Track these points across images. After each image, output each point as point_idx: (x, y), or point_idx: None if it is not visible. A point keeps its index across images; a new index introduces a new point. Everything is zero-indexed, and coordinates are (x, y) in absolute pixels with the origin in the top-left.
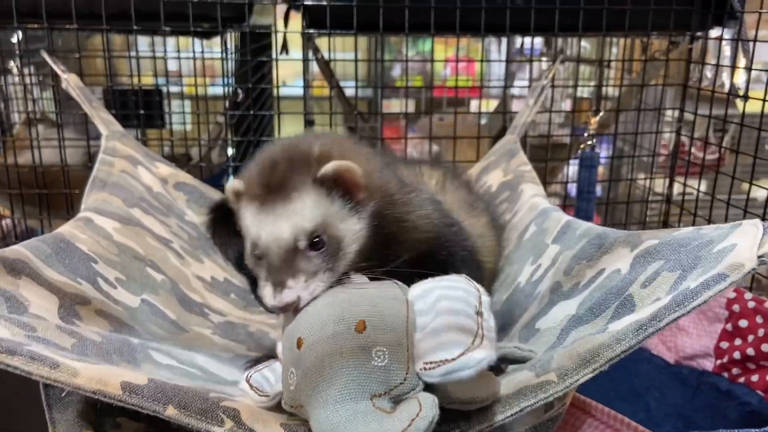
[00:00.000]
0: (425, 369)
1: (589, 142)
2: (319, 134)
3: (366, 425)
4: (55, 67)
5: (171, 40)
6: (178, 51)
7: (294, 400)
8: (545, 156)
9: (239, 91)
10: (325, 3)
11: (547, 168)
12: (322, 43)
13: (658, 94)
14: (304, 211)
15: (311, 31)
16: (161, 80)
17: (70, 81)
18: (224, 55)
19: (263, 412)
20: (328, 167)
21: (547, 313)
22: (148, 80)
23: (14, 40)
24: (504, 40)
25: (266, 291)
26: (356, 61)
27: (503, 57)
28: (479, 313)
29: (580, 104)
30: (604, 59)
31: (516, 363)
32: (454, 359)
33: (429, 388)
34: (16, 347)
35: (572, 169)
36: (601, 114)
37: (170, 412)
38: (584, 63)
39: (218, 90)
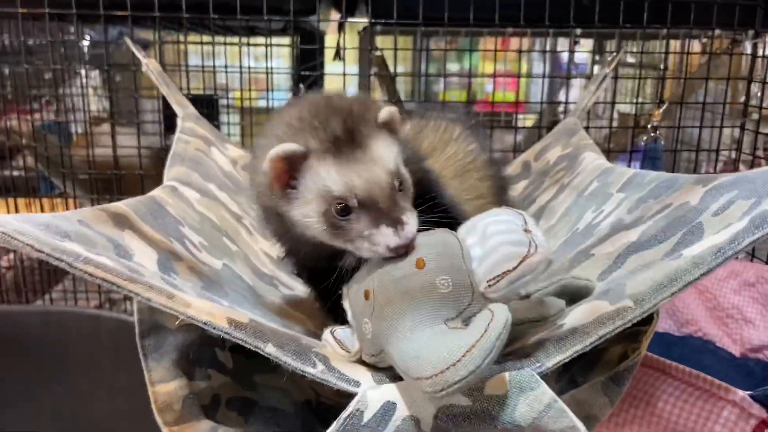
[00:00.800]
0: (489, 286)
1: (653, 134)
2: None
3: (445, 342)
4: (136, 53)
5: (222, 56)
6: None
7: (373, 347)
8: None
9: (301, 85)
10: None
11: None
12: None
13: (718, 96)
14: (386, 154)
15: (375, 21)
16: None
17: (150, 65)
18: (292, 46)
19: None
20: (384, 112)
21: (604, 242)
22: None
23: (85, 43)
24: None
25: (384, 234)
26: (420, 50)
27: (547, 71)
28: (527, 230)
29: (625, 120)
30: (667, 51)
31: (574, 298)
32: (515, 268)
33: None
34: (136, 277)
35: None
36: (664, 106)
37: (270, 349)
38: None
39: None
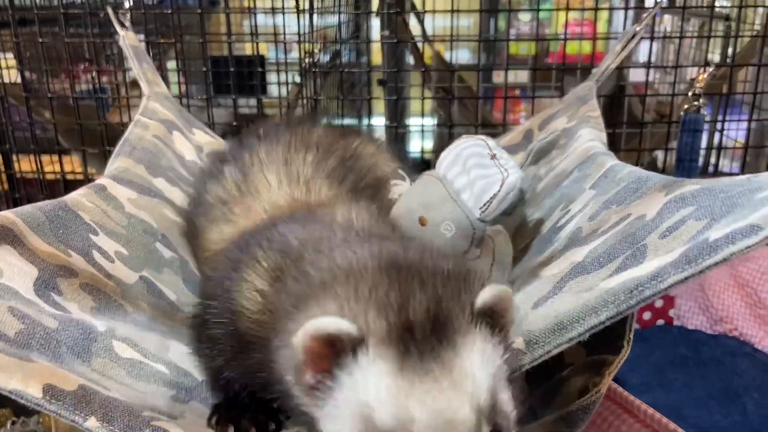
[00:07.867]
0: (483, 211)
1: (695, 103)
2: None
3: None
4: (115, 22)
5: None
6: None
7: None
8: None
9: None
10: None
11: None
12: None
13: None
14: (478, 372)
15: None
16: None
17: (126, 37)
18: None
19: None
20: (487, 294)
21: (555, 260)
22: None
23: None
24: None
25: None
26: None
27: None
28: (493, 156)
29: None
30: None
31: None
32: (499, 191)
33: None
34: None
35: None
36: (710, 70)
37: (91, 423)
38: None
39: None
